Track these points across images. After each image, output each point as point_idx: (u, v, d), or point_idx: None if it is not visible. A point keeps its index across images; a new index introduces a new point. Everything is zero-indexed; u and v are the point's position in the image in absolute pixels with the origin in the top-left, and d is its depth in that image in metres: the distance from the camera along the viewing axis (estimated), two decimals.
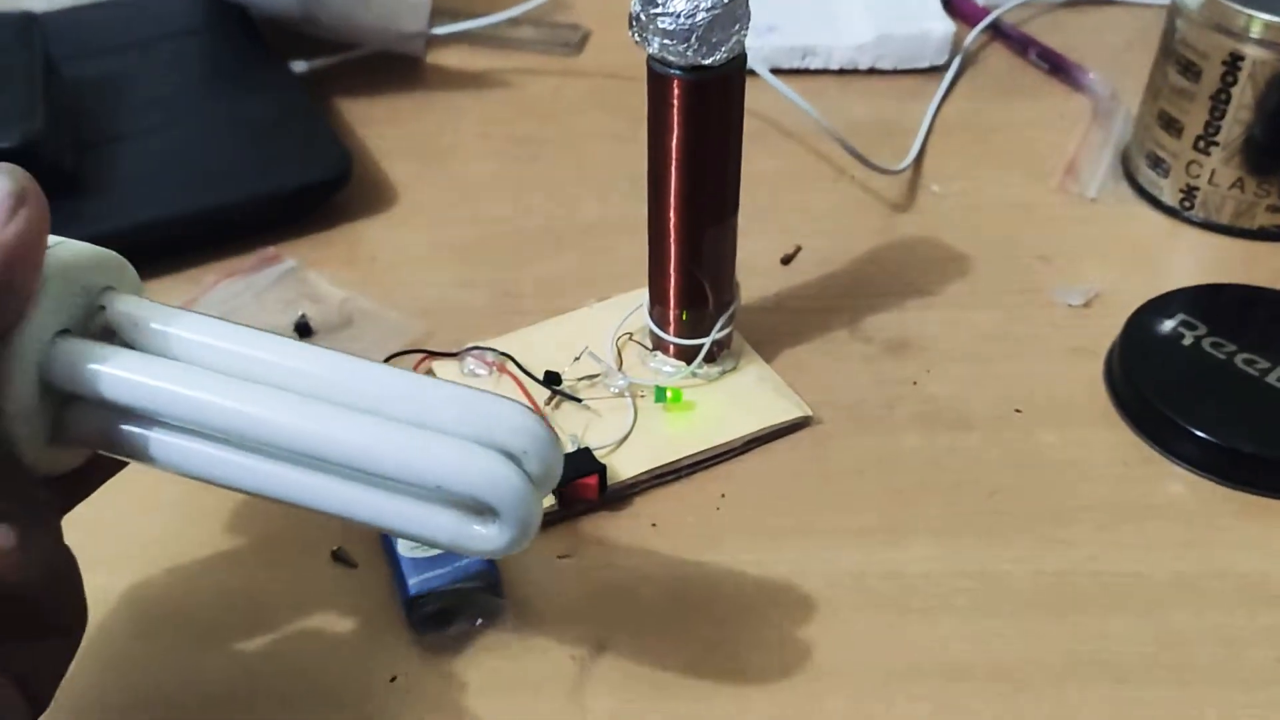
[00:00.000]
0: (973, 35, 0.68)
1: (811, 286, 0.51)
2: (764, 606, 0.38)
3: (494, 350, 0.45)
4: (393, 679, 0.35)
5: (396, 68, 0.67)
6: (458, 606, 0.36)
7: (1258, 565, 0.39)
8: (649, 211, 0.43)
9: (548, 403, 0.44)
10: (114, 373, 0.28)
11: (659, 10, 0.37)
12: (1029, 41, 0.67)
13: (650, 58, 0.39)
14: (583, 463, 0.40)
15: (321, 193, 0.54)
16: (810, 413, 0.44)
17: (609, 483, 0.40)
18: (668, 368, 0.45)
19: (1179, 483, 0.42)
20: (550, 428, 0.28)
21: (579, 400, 0.44)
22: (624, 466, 0.41)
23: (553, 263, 0.53)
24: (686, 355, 0.45)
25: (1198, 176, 0.53)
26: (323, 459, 0.28)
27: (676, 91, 0.39)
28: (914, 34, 0.65)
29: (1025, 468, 0.42)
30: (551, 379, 0.44)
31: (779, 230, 0.54)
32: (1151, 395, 0.43)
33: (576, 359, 0.45)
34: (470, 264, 0.53)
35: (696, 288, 0.43)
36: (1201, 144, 0.52)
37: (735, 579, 0.39)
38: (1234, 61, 0.50)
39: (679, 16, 0.37)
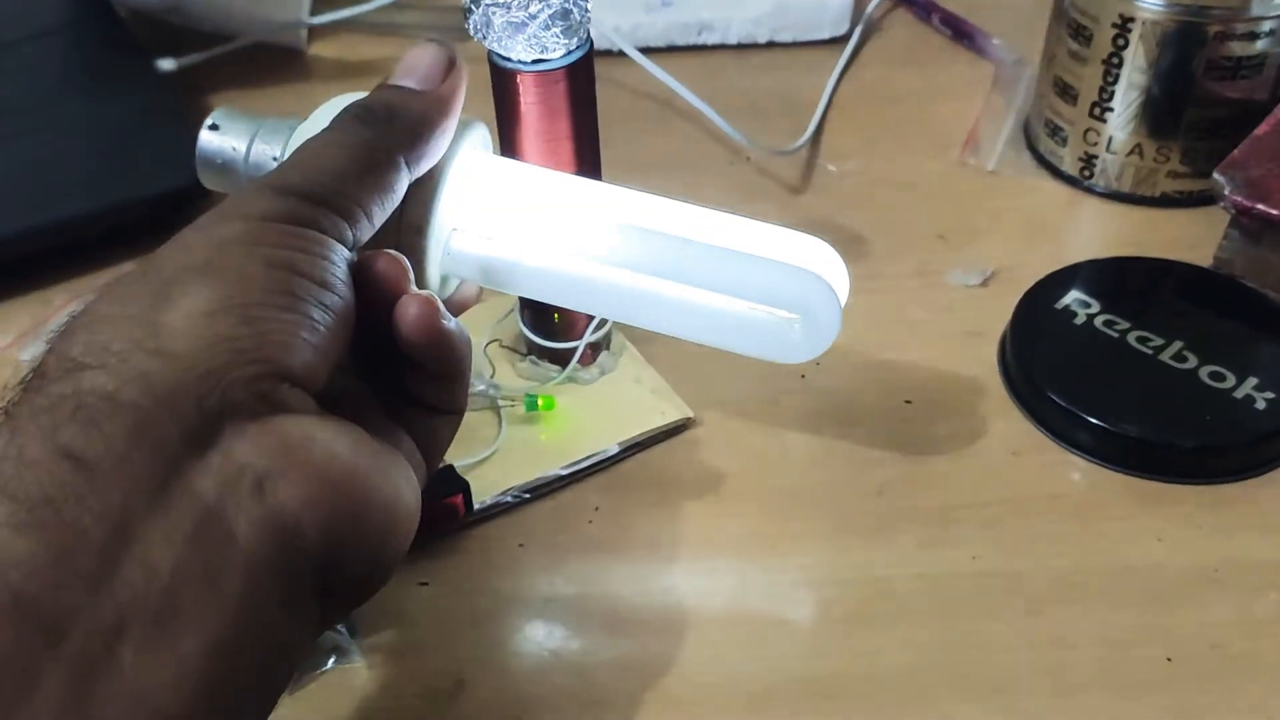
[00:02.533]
0: (875, 2, 0.66)
1: None
2: (634, 628, 0.36)
3: None
4: None
5: (275, 61, 0.64)
6: None
7: (1149, 557, 0.37)
8: None
9: None
10: (499, 190, 0.34)
11: (492, 3, 0.35)
12: (932, 7, 0.65)
13: (490, 52, 0.37)
14: (445, 481, 0.38)
15: (182, 200, 0.51)
16: (691, 414, 0.42)
17: (474, 501, 0.38)
18: (542, 373, 0.43)
19: (1073, 471, 0.40)
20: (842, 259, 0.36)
21: None
22: (490, 483, 0.39)
23: None
24: (561, 359, 0.43)
25: (1095, 144, 0.51)
26: (675, 271, 0.33)
27: (519, 86, 0.37)
28: (812, 3, 0.63)
29: (914, 463, 0.41)
30: None
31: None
32: (1042, 380, 0.41)
33: None
34: None
35: None
36: (1097, 110, 0.50)
37: (606, 600, 0.37)
38: (1124, 24, 0.48)
39: (510, 8, 0.35)
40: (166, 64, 0.60)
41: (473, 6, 0.35)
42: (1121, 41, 0.48)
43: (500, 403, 0.42)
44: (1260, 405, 0.39)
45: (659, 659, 0.35)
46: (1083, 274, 0.45)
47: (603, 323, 0.43)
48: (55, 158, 0.52)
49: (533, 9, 0.35)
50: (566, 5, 0.35)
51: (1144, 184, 0.51)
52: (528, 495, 0.39)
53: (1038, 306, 0.44)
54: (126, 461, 0.23)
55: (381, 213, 0.30)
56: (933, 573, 0.37)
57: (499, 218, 0.34)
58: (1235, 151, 0.46)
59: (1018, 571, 0.37)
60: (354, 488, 0.26)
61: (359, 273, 0.29)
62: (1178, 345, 0.42)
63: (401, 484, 0.28)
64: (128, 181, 0.50)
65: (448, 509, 0.38)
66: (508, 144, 0.38)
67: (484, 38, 0.36)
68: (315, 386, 0.26)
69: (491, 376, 0.43)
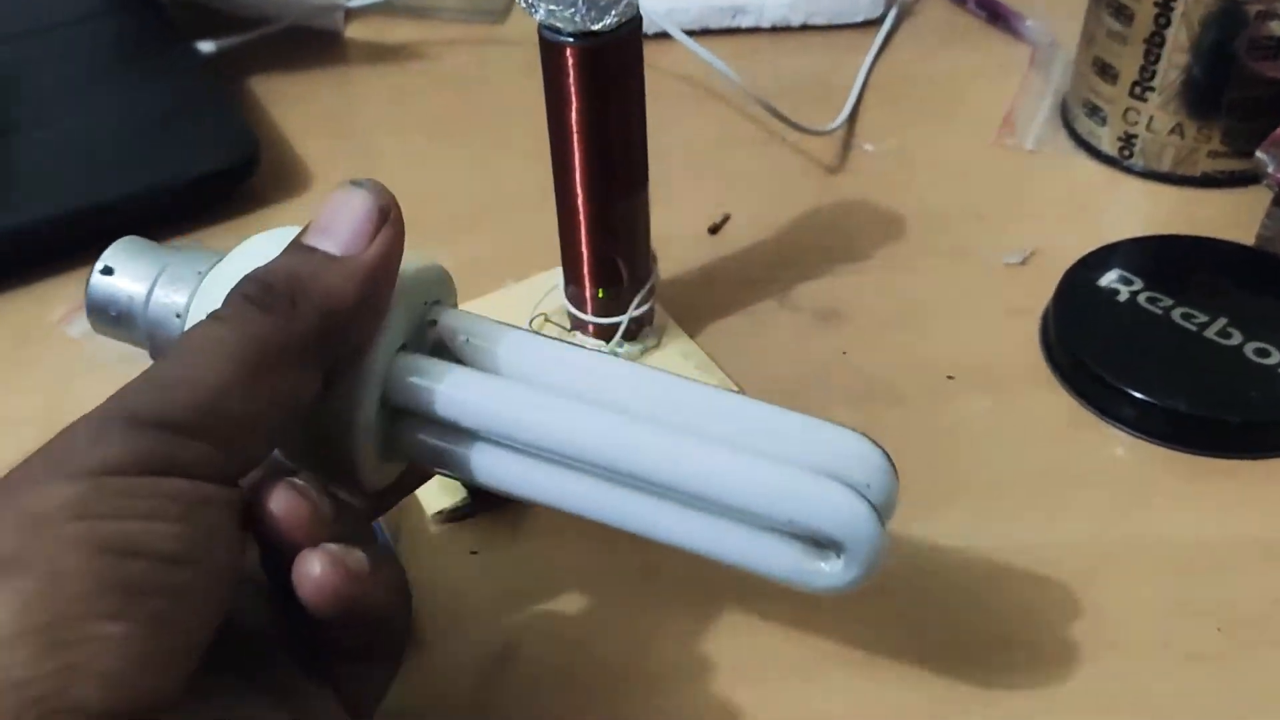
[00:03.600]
0: None
1: (740, 256, 0.49)
2: (684, 596, 0.36)
3: None
4: None
5: (312, 44, 0.64)
6: None
7: (1194, 531, 0.37)
8: (555, 188, 0.41)
9: None
10: (451, 391, 0.27)
11: None
12: None
13: (540, 25, 0.37)
14: None
15: (228, 180, 0.51)
16: (736, 389, 0.42)
17: None
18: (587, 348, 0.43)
19: (1117, 446, 0.40)
20: (888, 456, 0.27)
21: None
22: None
23: (473, 241, 0.51)
24: (605, 334, 0.43)
25: (1135, 123, 0.51)
26: (662, 485, 0.27)
27: (570, 61, 0.37)
28: None
29: (957, 437, 0.41)
30: None
31: (708, 198, 0.52)
32: (1086, 356, 0.41)
33: None
34: None
35: (609, 264, 0.41)
36: (1138, 89, 0.50)
37: (651, 569, 0.37)
38: (1166, 4, 0.48)
39: None
40: (206, 47, 0.60)
41: None
42: (1163, 21, 0.48)
43: None
44: None
45: (709, 628, 0.35)
46: (1124, 252, 0.45)
47: (648, 297, 0.43)
48: (100, 140, 0.52)
49: None
50: None
51: (1184, 164, 0.51)
52: None
53: (1080, 284, 0.44)
54: None
55: (280, 428, 0.24)
56: (980, 546, 0.37)
57: (450, 399, 0.28)
58: (1278, 129, 0.46)
59: (1066, 544, 0.37)
60: None
61: (248, 510, 0.24)
62: (1222, 322, 0.42)
63: None
64: (172, 162, 0.51)
65: None
66: (557, 123, 0.39)
67: (535, 11, 0.36)
68: (162, 706, 0.20)
69: None
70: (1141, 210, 0.51)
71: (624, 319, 0.42)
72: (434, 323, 0.29)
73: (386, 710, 0.31)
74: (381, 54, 0.64)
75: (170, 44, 0.59)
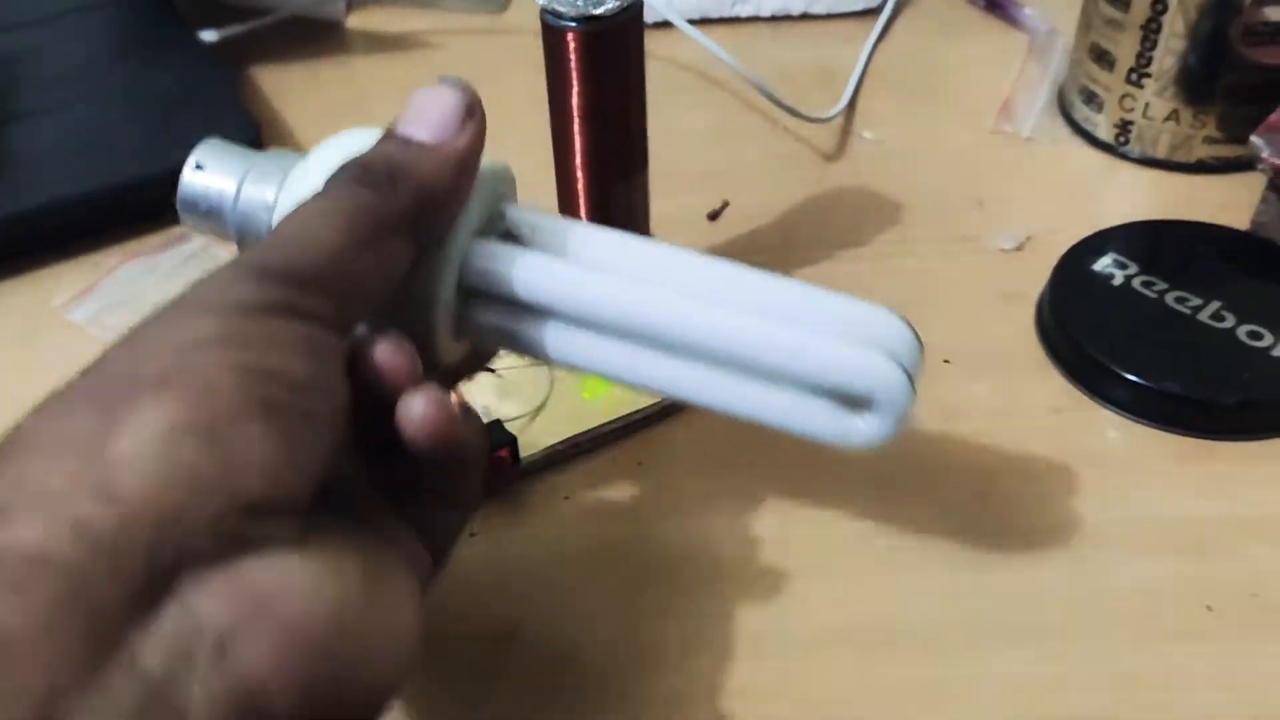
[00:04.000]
0: None
1: (739, 242, 0.50)
2: (679, 577, 0.36)
3: None
4: None
5: (314, 33, 0.64)
6: None
7: (1189, 511, 0.37)
8: (556, 170, 0.41)
9: None
10: (523, 271, 0.29)
11: None
12: None
13: (542, 9, 0.37)
14: (493, 435, 0.39)
15: None
16: None
17: (521, 455, 0.39)
18: None
19: (1112, 429, 0.41)
20: (915, 331, 0.30)
21: (493, 370, 0.42)
22: (538, 438, 0.40)
23: None
24: None
25: (1131, 110, 0.51)
26: (716, 353, 0.29)
27: (571, 44, 0.37)
28: None
29: (954, 421, 0.41)
30: None
31: (708, 185, 0.52)
32: (1081, 339, 0.42)
33: None
34: None
35: None
36: (1134, 76, 0.50)
37: (649, 550, 0.37)
38: None
39: None
40: (209, 35, 0.61)
41: None
42: (1160, 7, 0.48)
43: None
44: None
45: (705, 608, 0.35)
46: (1120, 237, 0.46)
47: None
48: (105, 126, 0.53)
49: None
50: None
51: (1180, 150, 0.51)
52: (574, 450, 0.40)
53: (1076, 268, 0.44)
54: (52, 635, 0.19)
55: (382, 292, 0.26)
56: (975, 527, 0.37)
57: (523, 279, 0.30)
58: (1273, 116, 0.46)
59: (1059, 524, 0.37)
60: (337, 645, 0.22)
61: (355, 360, 0.26)
62: (1216, 305, 0.42)
63: (397, 617, 0.24)
64: (175, 149, 0.51)
65: (497, 462, 0.39)
66: (558, 106, 0.39)
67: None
68: (296, 508, 0.23)
69: None
70: (1137, 196, 0.52)
71: None
72: (503, 215, 0.31)
73: None
74: (383, 43, 0.65)
75: (174, 32, 0.60)
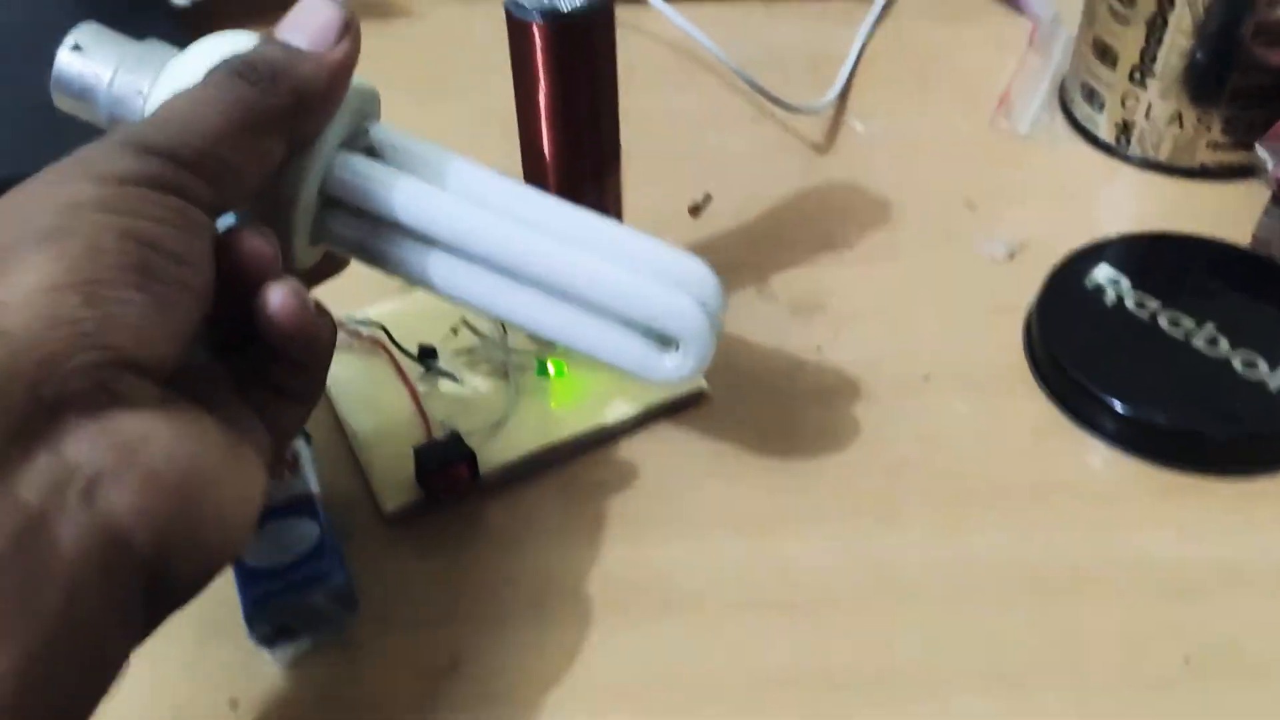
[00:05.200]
0: None
1: (720, 240, 0.48)
2: (635, 611, 0.35)
3: (366, 321, 0.42)
4: (233, 703, 0.33)
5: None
6: (305, 620, 0.33)
7: (1169, 551, 0.36)
8: (523, 168, 0.39)
9: (421, 380, 0.41)
10: (378, 185, 0.32)
11: None
12: None
13: (506, 2, 0.35)
14: (451, 450, 0.37)
15: None
16: (705, 386, 0.41)
17: (481, 470, 0.38)
18: None
19: (1094, 458, 0.39)
20: (720, 280, 0.33)
21: (455, 379, 0.41)
22: (499, 452, 0.38)
23: None
24: None
25: (1134, 110, 0.49)
26: (543, 281, 0.32)
27: (537, 39, 0.35)
28: None
29: (931, 443, 0.40)
30: (426, 354, 0.41)
31: (690, 176, 0.50)
32: (1068, 361, 0.40)
33: (454, 331, 0.42)
34: None
35: None
36: (1137, 74, 0.48)
37: (608, 581, 0.36)
38: None
39: None
40: (180, 0, 0.58)
41: None
42: (1167, 3, 0.46)
43: (511, 368, 0.41)
44: None
45: (660, 644, 0.34)
46: (1114, 250, 0.44)
47: None
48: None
49: None
50: None
51: (1182, 154, 0.49)
52: (536, 465, 0.39)
53: (1067, 283, 0.43)
54: None
55: (252, 184, 0.28)
56: (946, 559, 0.36)
57: (377, 195, 0.32)
58: (1279, 124, 0.44)
59: (1034, 561, 0.36)
60: (193, 493, 0.24)
61: (223, 247, 0.27)
62: (1210, 328, 0.40)
63: (245, 480, 0.26)
64: None
65: (453, 478, 0.37)
66: (524, 102, 0.37)
67: None
68: (162, 373, 0.25)
69: (505, 337, 0.42)
70: (1135, 203, 0.49)
71: None
72: (366, 133, 0.33)
73: (328, 713, 0.30)
74: (362, 9, 0.62)
75: None
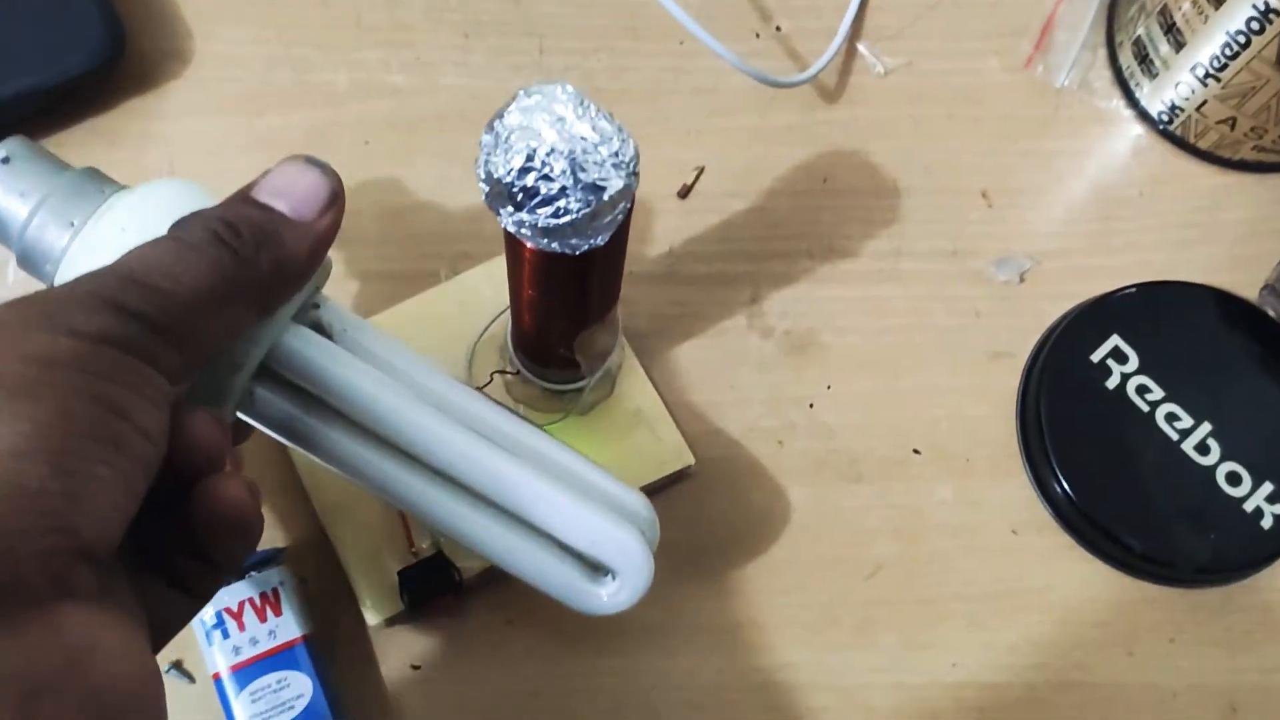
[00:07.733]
0: None
1: (710, 236, 0.43)
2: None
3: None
4: None
5: None
6: None
7: (1122, 673, 0.38)
8: (511, 304, 0.35)
9: None
10: (330, 364, 0.29)
11: (530, 200, 0.27)
12: None
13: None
14: (434, 571, 0.37)
15: (85, 82, 0.42)
16: (691, 461, 0.40)
17: (463, 571, 0.37)
18: (532, 393, 0.39)
19: (1067, 561, 0.40)
20: (653, 510, 0.33)
21: None
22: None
23: (404, 177, 0.43)
24: (557, 393, 0.39)
25: (1186, 100, 0.44)
26: (489, 496, 0.31)
27: (534, 262, 0.30)
28: None
29: (910, 539, 0.40)
30: None
31: (679, 146, 0.44)
32: (1057, 458, 0.39)
33: None
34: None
35: (569, 362, 0.37)
36: (1200, 72, 0.42)
37: (591, 692, 0.37)
38: (1266, 12, 0.39)
39: (552, 212, 0.27)
40: None
41: (503, 189, 0.27)
42: (1255, 26, 0.39)
43: None
44: (1267, 522, 0.39)
45: None
46: (1125, 310, 0.41)
47: (606, 375, 0.38)
48: None
49: (570, 205, 0.27)
50: (598, 206, 0.27)
51: (1225, 149, 0.44)
52: None
53: (1070, 350, 0.41)
54: None
55: (217, 352, 0.26)
56: (911, 682, 0.38)
57: (326, 374, 0.29)
58: None
59: (993, 684, 0.38)
60: (132, 708, 0.21)
61: (173, 425, 0.25)
62: (1204, 430, 0.40)
63: (160, 689, 0.23)
64: (42, 64, 0.41)
65: (444, 581, 0.37)
66: (517, 301, 0.33)
67: (499, 215, 0.28)
68: (107, 558, 0.22)
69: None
70: (1167, 200, 0.45)
71: (586, 384, 0.38)
72: (317, 306, 0.31)
73: None
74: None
75: None
